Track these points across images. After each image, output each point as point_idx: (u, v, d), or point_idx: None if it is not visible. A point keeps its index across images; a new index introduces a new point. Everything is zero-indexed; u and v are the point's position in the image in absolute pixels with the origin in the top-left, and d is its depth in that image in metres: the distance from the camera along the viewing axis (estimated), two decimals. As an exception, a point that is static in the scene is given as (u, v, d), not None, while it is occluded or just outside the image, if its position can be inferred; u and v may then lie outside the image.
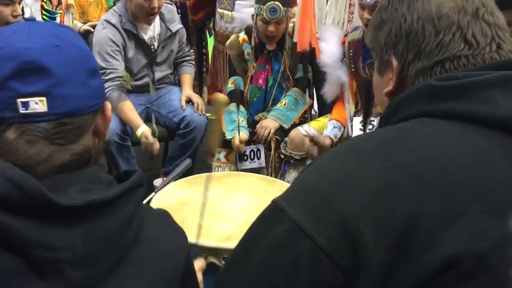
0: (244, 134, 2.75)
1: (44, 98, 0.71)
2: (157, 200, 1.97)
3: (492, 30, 0.75)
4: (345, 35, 2.69)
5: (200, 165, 3.16)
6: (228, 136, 2.76)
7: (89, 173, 0.75)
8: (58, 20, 3.08)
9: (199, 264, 1.23)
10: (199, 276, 1.17)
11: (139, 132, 2.72)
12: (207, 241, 1.65)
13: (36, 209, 0.66)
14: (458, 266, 0.58)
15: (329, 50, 2.66)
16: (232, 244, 1.65)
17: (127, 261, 0.75)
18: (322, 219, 0.62)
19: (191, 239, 1.61)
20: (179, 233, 0.88)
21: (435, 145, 0.65)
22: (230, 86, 2.97)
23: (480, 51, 0.73)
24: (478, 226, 0.59)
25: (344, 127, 2.68)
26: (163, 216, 0.89)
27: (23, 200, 0.65)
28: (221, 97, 1.70)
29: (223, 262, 1.65)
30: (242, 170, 2.74)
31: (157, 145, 2.74)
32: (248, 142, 2.81)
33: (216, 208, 1.94)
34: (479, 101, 0.66)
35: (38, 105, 0.71)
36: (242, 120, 2.81)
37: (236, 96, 2.91)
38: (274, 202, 0.68)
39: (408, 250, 0.59)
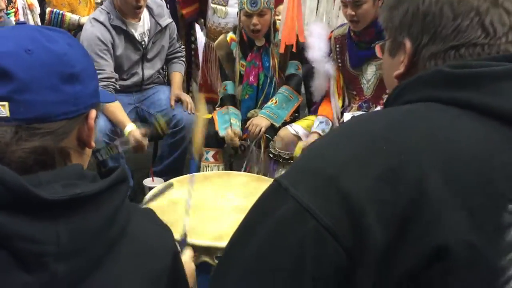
0: (237, 128, 2.76)
1: (6, 103, 0.72)
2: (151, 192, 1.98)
3: (511, 18, 0.72)
4: (332, 31, 2.70)
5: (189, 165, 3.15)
6: (221, 133, 2.76)
7: (73, 169, 0.76)
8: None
9: (187, 254, 1.23)
10: (192, 266, 1.18)
11: (126, 131, 2.70)
12: (200, 240, 1.66)
13: (20, 203, 0.67)
14: (450, 256, 0.58)
15: (317, 45, 2.67)
16: (224, 243, 1.66)
17: (113, 255, 0.75)
18: (326, 199, 0.62)
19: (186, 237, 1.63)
20: (165, 230, 0.88)
21: (442, 132, 0.65)
22: (222, 91, 2.99)
23: (496, 40, 0.71)
24: (473, 217, 0.59)
25: (331, 122, 2.69)
26: (149, 213, 0.89)
27: (6, 194, 0.66)
28: (202, 112, 1.75)
29: (216, 261, 1.65)
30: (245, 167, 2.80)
31: (145, 143, 2.73)
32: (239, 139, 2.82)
33: (208, 207, 1.94)
34: (492, 93, 0.66)
35: (0, 109, 0.72)
36: (236, 121, 2.82)
37: (229, 101, 2.92)
38: (277, 181, 0.66)
39: (407, 235, 0.59)
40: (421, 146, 0.63)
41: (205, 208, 1.93)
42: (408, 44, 0.76)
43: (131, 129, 2.70)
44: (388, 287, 0.60)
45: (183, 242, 1.37)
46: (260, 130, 2.78)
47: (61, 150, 0.77)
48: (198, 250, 1.65)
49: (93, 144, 0.84)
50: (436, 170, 0.61)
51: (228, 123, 2.79)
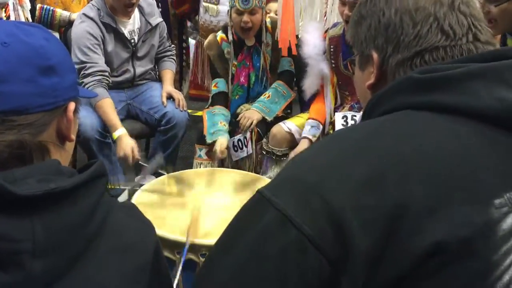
0: (225, 141, 2.74)
1: None
2: (140, 196, 1.97)
3: (468, 20, 0.77)
4: (326, 31, 2.71)
5: (182, 162, 3.15)
6: (208, 140, 2.76)
7: (49, 164, 0.75)
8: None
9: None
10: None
11: (115, 135, 2.67)
12: (185, 237, 1.65)
13: None
14: (443, 252, 0.59)
15: (312, 42, 2.67)
16: (210, 240, 1.67)
17: (92, 251, 0.74)
18: (308, 207, 0.62)
19: (174, 236, 1.63)
20: (146, 224, 0.87)
21: (419, 135, 0.67)
22: (213, 89, 2.98)
23: (457, 41, 0.75)
24: (462, 213, 0.60)
25: (323, 125, 2.69)
26: (130, 208, 0.88)
27: None
28: (197, 207, 1.77)
29: (201, 258, 1.65)
30: (235, 161, 2.81)
31: (131, 155, 2.64)
32: (232, 134, 2.82)
33: (197, 205, 1.93)
34: (461, 93, 0.68)
35: None
36: (224, 124, 2.81)
37: (219, 99, 2.92)
38: (260, 192, 0.68)
39: (395, 238, 0.60)
40: (400, 151, 0.65)
41: (193, 205, 1.91)
42: (375, 55, 0.80)
43: (121, 133, 2.66)
44: None
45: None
46: (252, 123, 2.78)
47: (39, 145, 0.76)
48: (183, 247, 1.65)
49: (73, 137, 0.83)
50: (417, 174, 0.62)
51: (216, 127, 2.78)
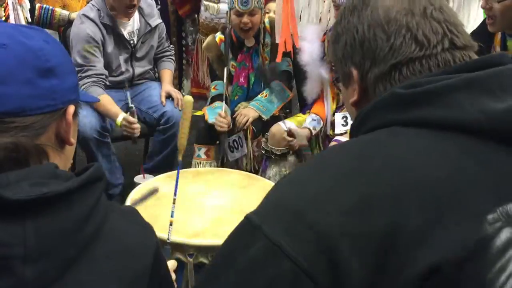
0: (226, 108, 2.76)
1: None
2: (135, 194, 1.99)
3: (443, 26, 0.76)
4: (324, 34, 2.70)
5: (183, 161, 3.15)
6: (209, 120, 2.78)
7: (45, 168, 0.74)
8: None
9: (170, 264, 1.21)
10: (172, 275, 1.17)
11: (118, 120, 2.68)
12: (174, 236, 1.66)
13: None
14: (437, 276, 0.58)
15: (309, 48, 2.67)
16: (199, 240, 1.68)
17: (87, 256, 0.73)
18: (299, 237, 0.61)
19: (163, 234, 1.63)
20: (146, 228, 0.86)
21: (406, 156, 0.66)
22: (212, 91, 2.98)
23: (432, 50, 0.74)
24: (454, 235, 0.59)
25: (323, 122, 2.70)
26: (129, 212, 0.87)
27: None
28: (188, 98, 1.76)
29: (189, 258, 1.66)
30: (231, 161, 2.81)
31: (138, 125, 2.71)
32: (229, 133, 2.82)
33: (192, 204, 1.95)
34: (446, 107, 0.67)
35: None
36: (224, 110, 2.81)
37: (219, 100, 2.91)
38: (248, 218, 0.66)
39: (388, 265, 0.59)
40: (388, 174, 0.64)
41: (187, 204, 1.93)
42: (354, 72, 0.80)
43: (123, 116, 2.68)
44: None
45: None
46: (247, 120, 2.79)
47: (37, 148, 0.75)
48: (172, 246, 1.66)
49: (72, 141, 0.82)
50: (407, 197, 0.61)
51: (217, 111, 2.80)
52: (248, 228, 0.66)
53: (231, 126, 2.80)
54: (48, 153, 0.78)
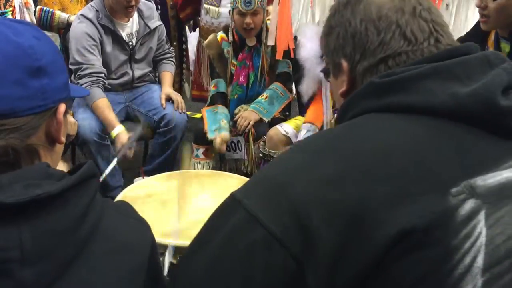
0: (226, 135, 2.76)
1: None
2: (129, 190, 2.00)
3: (430, 25, 0.81)
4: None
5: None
6: (210, 136, 2.77)
7: (38, 168, 0.73)
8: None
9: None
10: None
11: (114, 133, 2.67)
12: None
13: None
14: (404, 241, 0.62)
15: (308, 45, 2.68)
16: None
17: (86, 254, 0.72)
18: (275, 206, 0.67)
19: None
20: (141, 223, 0.85)
21: (378, 135, 0.72)
22: (212, 89, 2.98)
23: (419, 46, 0.80)
24: (420, 204, 0.64)
25: (319, 128, 2.70)
26: (123, 207, 0.86)
27: None
28: (186, 148, 1.77)
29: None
30: (228, 160, 2.82)
31: (130, 154, 2.60)
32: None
33: (175, 205, 1.91)
34: (416, 92, 0.73)
35: None
36: (225, 123, 2.82)
37: (219, 99, 2.93)
38: (232, 195, 0.72)
39: (359, 231, 0.63)
40: (361, 151, 0.69)
41: (172, 205, 1.90)
42: (344, 63, 0.85)
43: (119, 131, 2.66)
44: None
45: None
46: (249, 123, 2.79)
47: (28, 148, 0.74)
48: None
49: (63, 139, 0.81)
50: (376, 172, 0.67)
51: (218, 125, 2.79)
52: (231, 203, 0.72)
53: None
54: (39, 153, 0.76)
